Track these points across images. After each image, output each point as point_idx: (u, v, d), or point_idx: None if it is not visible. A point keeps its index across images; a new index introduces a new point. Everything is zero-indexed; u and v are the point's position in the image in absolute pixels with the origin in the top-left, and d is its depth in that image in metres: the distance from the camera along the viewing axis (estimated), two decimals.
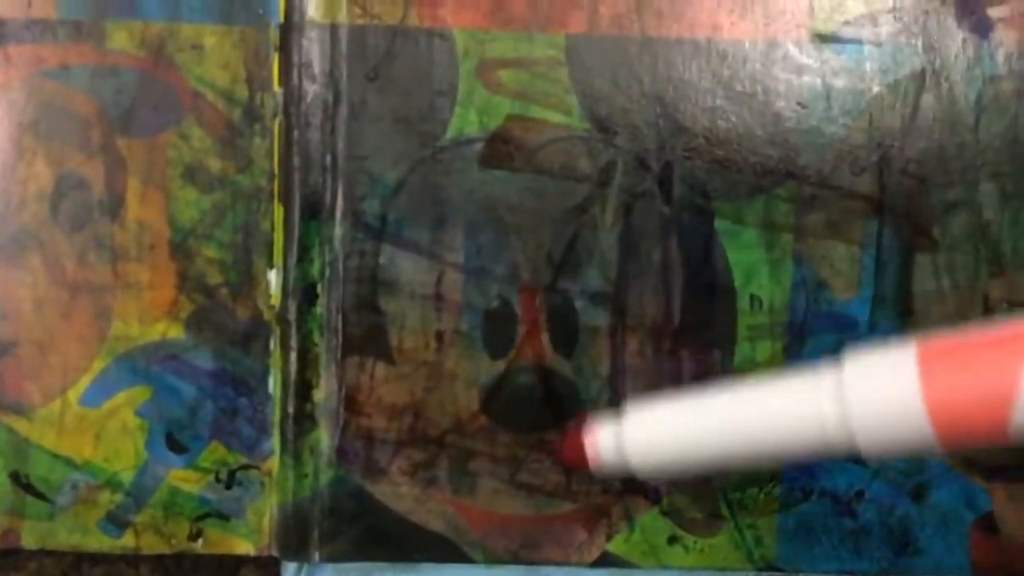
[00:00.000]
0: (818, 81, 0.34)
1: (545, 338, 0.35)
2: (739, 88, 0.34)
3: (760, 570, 0.35)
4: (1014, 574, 0.35)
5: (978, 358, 0.24)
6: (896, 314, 0.34)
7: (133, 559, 0.36)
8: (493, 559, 0.35)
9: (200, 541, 0.35)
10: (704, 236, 0.34)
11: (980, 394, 0.23)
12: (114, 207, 0.34)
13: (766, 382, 0.27)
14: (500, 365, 0.35)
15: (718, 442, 0.27)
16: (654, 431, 0.28)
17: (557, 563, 0.35)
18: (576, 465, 0.30)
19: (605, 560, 0.35)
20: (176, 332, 0.35)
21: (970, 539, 0.35)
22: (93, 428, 0.35)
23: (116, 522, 0.35)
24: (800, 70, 0.34)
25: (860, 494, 0.35)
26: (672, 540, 0.35)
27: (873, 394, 0.24)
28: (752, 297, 0.34)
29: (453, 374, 0.35)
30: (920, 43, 0.34)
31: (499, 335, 0.35)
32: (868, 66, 0.34)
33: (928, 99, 0.34)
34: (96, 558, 0.36)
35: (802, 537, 0.35)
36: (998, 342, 0.24)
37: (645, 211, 0.34)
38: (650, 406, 0.29)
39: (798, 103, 0.34)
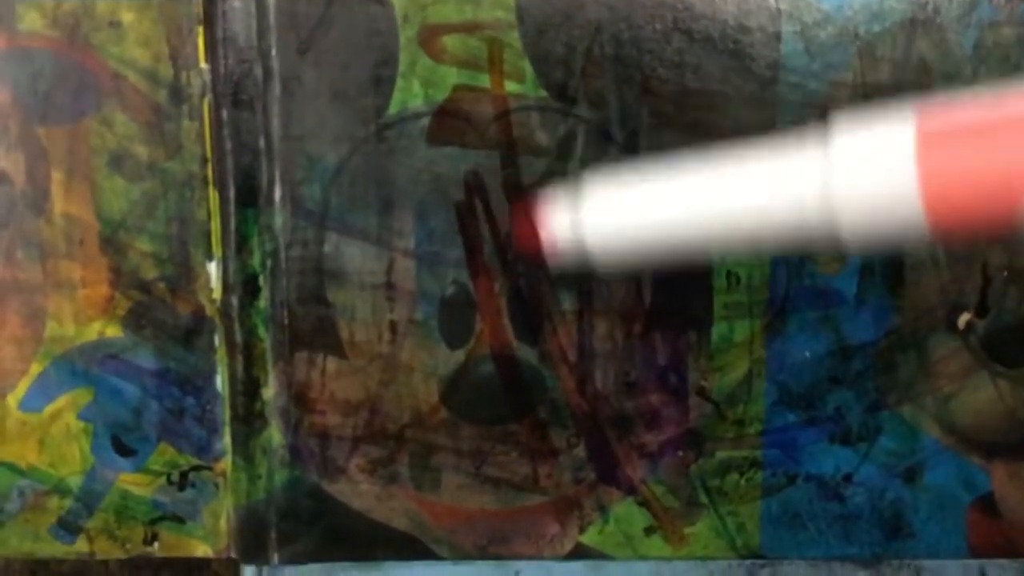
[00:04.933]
0: (798, 33, 0.31)
1: (506, 325, 0.32)
2: (710, 45, 0.31)
3: (743, 558, 0.33)
4: (1015, 556, 0.33)
5: (988, 132, 0.20)
6: (886, 287, 0.32)
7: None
8: (460, 555, 0.34)
9: (156, 545, 0.34)
10: None
11: (986, 171, 0.20)
12: (38, 201, 0.32)
13: (743, 154, 0.23)
14: (459, 355, 0.32)
15: (685, 220, 0.23)
16: (616, 211, 0.24)
17: (528, 557, 0.34)
18: (530, 249, 0.26)
19: (579, 552, 0.33)
20: (114, 331, 0.33)
21: (967, 521, 0.33)
22: (36, 433, 0.33)
23: (68, 528, 0.34)
24: (778, 22, 0.31)
25: (848, 477, 0.33)
26: (649, 530, 0.33)
27: (861, 164, 0.21)
28: (729, 274, 0.32)
29: (409, 366, 0.33)
30: None
31: (457, 323, 0.32)
32: (852, 15, 0.30)
33: (920, 49, 0.31)
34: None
35: (787, 523, 0.33)
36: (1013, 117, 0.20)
37: None
38: (611, 183, 0.25)
39: (776, 58, 0.31)
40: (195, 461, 0.33)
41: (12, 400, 0.33)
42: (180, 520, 0.34)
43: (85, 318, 0.33)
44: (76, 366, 0.33)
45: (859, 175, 0.21)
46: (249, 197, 0.32)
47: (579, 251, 0.24)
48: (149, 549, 0.34)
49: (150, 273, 0.32)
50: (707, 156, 0.23)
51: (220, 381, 0.33)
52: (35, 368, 0.33)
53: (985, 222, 0.20)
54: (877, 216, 0.21)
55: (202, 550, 0.34)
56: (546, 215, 0.25)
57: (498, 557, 0.34)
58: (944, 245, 0.21)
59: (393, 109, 0.31)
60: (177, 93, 0.31)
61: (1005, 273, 0.32)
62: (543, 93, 0.31)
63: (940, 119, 0.21)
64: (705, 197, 0.23)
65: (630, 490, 0.33)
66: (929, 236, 0.21)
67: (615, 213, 0.24)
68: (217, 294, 0.32)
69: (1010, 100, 0.20)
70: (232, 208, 0.32)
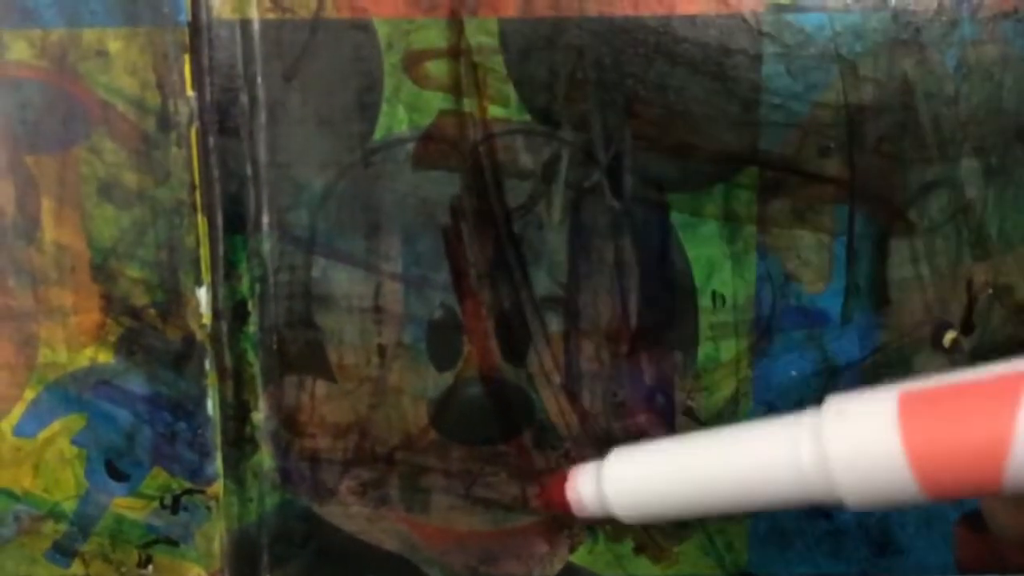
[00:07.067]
0: (779, 55, 0.31)
1: (494, 347, 0.33)
2: (692, 68, 0.31)
3: None
4: (1003, 572, 0.33)
5: (965, 405, 0.21)
6: (871, 306, 0.32)
7: None
8: None
9: (150, 568, 0.34)
10: (659, 231, 0.32)
11: (968, 442, 0.21)
12: (29, 229, 0.32)
13: (746, 428, 0.26)
14: (448, 377, 0.33)
15: (697, 489, 0.26)
16: (633, 478, 0.27)
17: None
18: (559, 509, 0.30)
19: (569, 572, 0.34)
20: (106, 357, 0.33)
21: (955, 537, 0.33)
22: (31, 459, 0.34)
23: (63, 552, 0.34)
24: (759, 44, 0.31)
25: None
26: (638, 549, 0.33)
27: (851, 442, 0.23)
28: (714, 294, 0.32)
29: (398, 389, 0.33)
30: (892, 7, 0.30)
31: (445, 346, 0.33)
32: (834, 35, 0.31)
33: (901, 69, 0.31)
34: None
35: (775, 541, 0.33)
36: (987, 388, 0.21)
37: (595, 207, 0.32)
38: (630, 453, 0.28)
39: (757, 80, 0.31)
40: (188, 485, 0.34)
41: (6, 426, 0.33)
42: (174, 543, 0.34)
43: (77, 344, 0.33)
44: (69, 392, 0.33)
45: (852, 454, 0.23)
46: (237, 223, 0.32)
47: (604, 512, 0.28)
48: (144, 572, 0.34)
49: (141, 299, 0.33)
50: (715, 431, 0.26)
51: (211, 405, 0.33)
52: (28, 394, 0.33)
53: (974, 484, 0.21)
54: (874, 488, 0.23)
55: (196, 572, 0.34)
56: (573, 479, 0.29)
57: None
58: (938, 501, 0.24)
59: (379, 134, 0.31)
60: (165, 121, 0.32)
61: (990, 291, 0.32)
62: (527, 117, 0.31)
63: (921, 391, 0.22)
64: (713, 472, 0.26)
65: None
66: (924, 499, 0.22)
67: (633, 483, 0.27)
68: (207, 319, 0.33)
69: (983, 373, 0.22)
70: (220, 235, 0.32)
